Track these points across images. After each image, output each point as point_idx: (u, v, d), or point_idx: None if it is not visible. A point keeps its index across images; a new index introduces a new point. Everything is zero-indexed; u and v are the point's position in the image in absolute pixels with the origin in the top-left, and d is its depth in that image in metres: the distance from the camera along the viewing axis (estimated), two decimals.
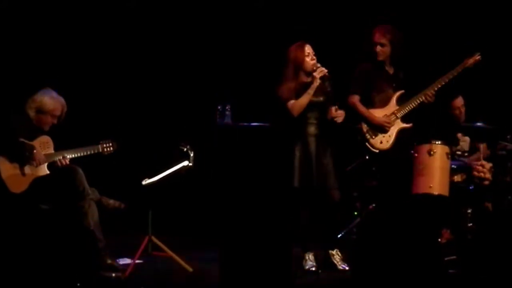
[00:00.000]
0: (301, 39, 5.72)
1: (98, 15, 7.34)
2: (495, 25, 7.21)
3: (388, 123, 5.82)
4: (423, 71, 6.27)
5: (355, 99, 5.87)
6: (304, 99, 5.50)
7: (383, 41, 5.85)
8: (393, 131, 5.84)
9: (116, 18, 7.40)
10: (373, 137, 5.83)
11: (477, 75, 6.25)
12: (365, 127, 5.85)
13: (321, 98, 5.61)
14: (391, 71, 5.95)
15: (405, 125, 5.86)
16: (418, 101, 5.85)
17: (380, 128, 5.83)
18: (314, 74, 5.51)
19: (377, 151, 5.82)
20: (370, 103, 5.90)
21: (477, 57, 5.89)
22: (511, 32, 7.14)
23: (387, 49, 5.87)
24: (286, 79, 5.61)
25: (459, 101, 6.59)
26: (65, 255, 5.08)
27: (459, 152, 6.19)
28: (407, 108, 5.86)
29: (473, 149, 6.43)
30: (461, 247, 5.47)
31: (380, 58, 5.88)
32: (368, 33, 5.94)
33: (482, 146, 6.18)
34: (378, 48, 5.86)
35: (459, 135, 6.38)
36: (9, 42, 6.96)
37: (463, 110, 6.60)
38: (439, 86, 5.86)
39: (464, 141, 6.47)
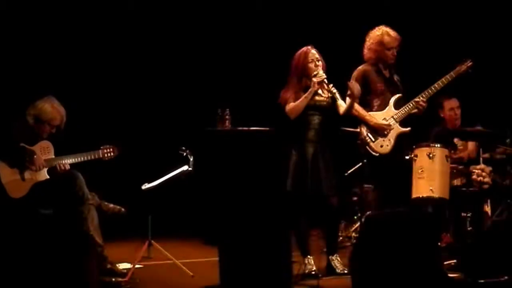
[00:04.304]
0: (301, 42, 5.75)
1: (99, 21, 7.36)
2: (493, 30, 7.24)
3: (389, 125, 5.82)
4: (417, 76, 6.25)
5: None
6: (301, 103, 5.51)
7: (397, 43, 5.85)
8: (393, 135, 5.83)
9: (116, 25, 7.42)
10: (374, 140, 5.82)
11: (475, 79, 6.25)
12: (365, 131, 5.83)
13: (323, 103, 5.62)
14: (387, 74, 5.95)
15: (403, 129, 5.86)
16: (412, 107, 5.86)
17: (380, 131, 5.83)
18: (313, 79, 5.52)
19: (377, 154, 5.81)
20: (368, 107, 5.90)
21: (469, 63, 5.88)
22: (510, 36, 7.17)
23: (395, 52, 5.90)
24: (290, 84, 5.63)
25: (454, 102, 6.42)
26: (64, 260, 5.08)
27: (456, 157, 6.20)
28: (403, 113, 5.86)
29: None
30: (461, 251, 5.46)
31: (394, 61, 5.89)
32: (365, 36, 5.93)
33: (471, 144, 6.18)
34: (395, 52, 5.86)
35: (456, 140, 6.37)
36: (10, 47, 6.97)
37: (457, 112, 6.43)
38: (431, 93, 5.87)
39: (462, 146, 6.46)
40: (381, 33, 5.85)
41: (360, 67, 5.91)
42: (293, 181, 5.54)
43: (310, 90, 5.51)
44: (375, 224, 4.91)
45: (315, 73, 5.53)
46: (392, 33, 5.85)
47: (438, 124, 6.47)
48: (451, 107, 6.41)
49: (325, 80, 5.51)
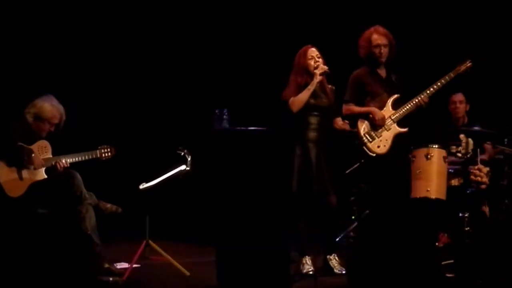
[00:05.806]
0: (301, 42, 5.77)
1: (98, 21, 7.37)
2: (492, 30, 7.23)
3: (382, 115, 5.81)
4: (417, 75, 6.26)
5: (350, 106, 5.89)
6: (304, 94, 5.55)
7: (385, 41, 5.84)
8: (389, 136, 5.83)
9: (116, 25, 7.43)
10: (371, 141, 5.83)
11: (475, 79, 6.26)
12: (362, 131, 5.84)
13: (324, 103, 5.65)
14: (383, 74, 5.95)
15: (401, 129, 5.86)
16: (413, 106, 5.85)
17: (376, 126, 5.82)
18: (315, 71, 5.58)
19: (374, 155, 5.82)
20: None
21: (468, 64, 5.91)
22: (509, 36, 7.16)
23: (387, 50, 5.87)
24: (292, 81, 5.69)
25: (457, 97, 6.63)
26: (62, 260, 5.09)
27: (459, 154, 6.17)
28: (402, 112, 5.86)
29: (481, 150, 6.39)
30: (458, 251, 5.46)
31: (383, 59, 5.87)
32: (360, 37, 5.94)
33: (487, 147, 6.21)
34: (382, 49, 5.84)
35: (461, 136, 6.35)
36: (9, 46, 6.98)
37: (460, 106, 6.62)
38: (432, 90, 5.87)
39: (466, 143, 6.43)
40: (370, 31, 5.87)
41: (354, 72, 5.93)
42: (298, 182, 5.56)
43: (312, 82, 5.57)
44: (372, 224, 4.92)
45: (316, 65, 5.59)
46: (381, 30, 5.85)
47: (444, 119, 6.54)
48: (453, 101, 6.65)
49: (327, 70, 5.55)
